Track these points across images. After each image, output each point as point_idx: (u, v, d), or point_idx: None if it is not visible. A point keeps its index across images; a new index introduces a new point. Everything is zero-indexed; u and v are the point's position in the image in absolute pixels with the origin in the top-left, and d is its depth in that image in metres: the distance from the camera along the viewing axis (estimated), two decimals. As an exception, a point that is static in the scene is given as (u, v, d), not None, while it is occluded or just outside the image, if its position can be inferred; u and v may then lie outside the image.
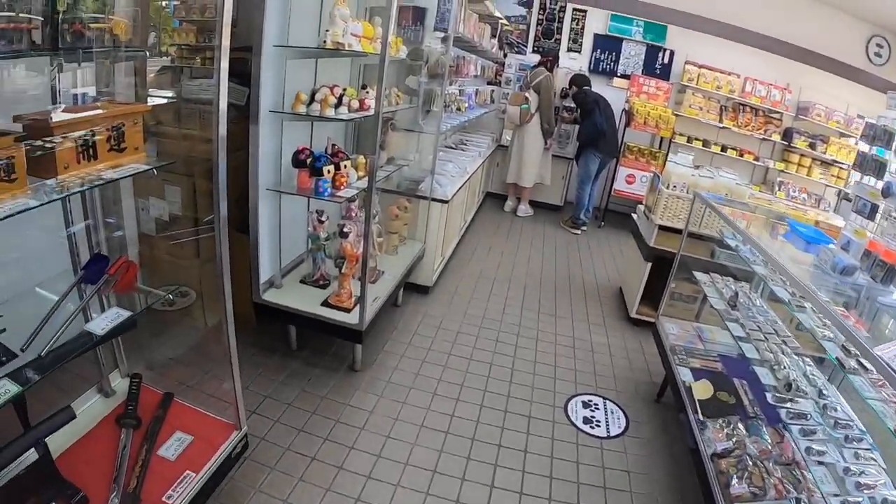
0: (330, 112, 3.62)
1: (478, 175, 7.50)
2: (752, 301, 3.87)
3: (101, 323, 2.34)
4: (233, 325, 2.78)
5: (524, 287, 6.22)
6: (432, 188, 5.48)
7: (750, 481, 2.77)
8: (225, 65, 2.13)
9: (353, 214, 4.00)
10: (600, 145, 8.19)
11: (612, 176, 8.96)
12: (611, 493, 3.38)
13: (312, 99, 3.66)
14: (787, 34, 8.76)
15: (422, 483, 3.24)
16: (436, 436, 3.63)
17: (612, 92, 9.08)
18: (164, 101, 4.55)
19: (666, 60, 9.45)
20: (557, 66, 8.65)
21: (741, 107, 8.96)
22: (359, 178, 3.88)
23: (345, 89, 3.75)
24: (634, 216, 6.04)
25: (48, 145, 1.98)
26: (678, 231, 4.84)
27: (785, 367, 3.00)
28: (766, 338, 3.38)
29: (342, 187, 3.68)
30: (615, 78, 9.66)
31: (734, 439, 3.09)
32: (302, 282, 4.33)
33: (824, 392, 2.83)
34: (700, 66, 8.98)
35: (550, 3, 9.66)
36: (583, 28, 9.67)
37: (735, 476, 2.81)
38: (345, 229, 3.86)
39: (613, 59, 9.63)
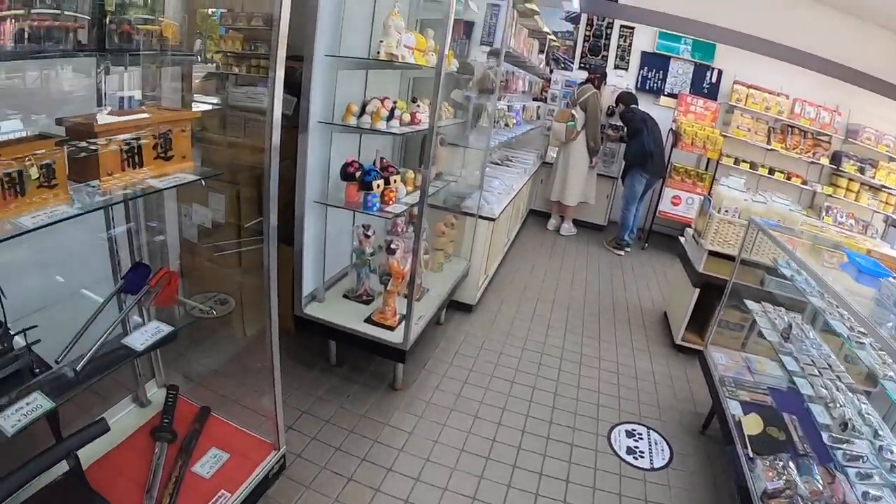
0: (381, 125, 3.48)
1: (523, 192, 7.34)
2: (804, 333, 3.68)
3: (141, 338, 2.24)
4: (277, 345, 2.66)
5: (568, 308, 6.04)
6: (480, 205, 5.33)
7: (801, 524, 2.60)
8: (280, 74, 2.03)
9: (400, 230, 3.87)
10: (647, 165, 7.97)
11: (657, 197, 8.73)
12: (655, 529, 3.21)
13: (363, 111, 3.54)
14: (838, 55, 8.44)
15: (461, 510, 3.10)
16: (476, 461, 3.49)
17: (658, 111, 8.87)
18: (210, 107, 4.49)
19: (714, 80, 9.20)
20: (605, 83, 8.48)
21: (790, 129, 8.68)
22: (407, 194, 3.76)
23: (395, 102, 3.62)
24: (682, 239, 5.83)
25: (91, 149, 1.87)
26: (728, 257, 4.74)
27: (840, 405, 2.85)
28: (820, 373, 3.21)
29: (391, 203, 3.55)
30: (662, 96, 9.44)
31: (784, 478, 2.92)
32: (345, 296, 4.22)
33: (880, 432, 2.68)
34: (749, 86, 8.72)
35: (598, 20, 9.48)
36: (630, 45, 9.47)
37: (786, 518, 2.64)
38: (392, 245, 3.74)
39: (661, 77, 9.41)
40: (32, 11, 1.86)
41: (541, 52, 7.88)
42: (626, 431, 4.02)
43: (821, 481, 2.84)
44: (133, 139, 1.98)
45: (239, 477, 2.65)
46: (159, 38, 2.33)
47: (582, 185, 8.52)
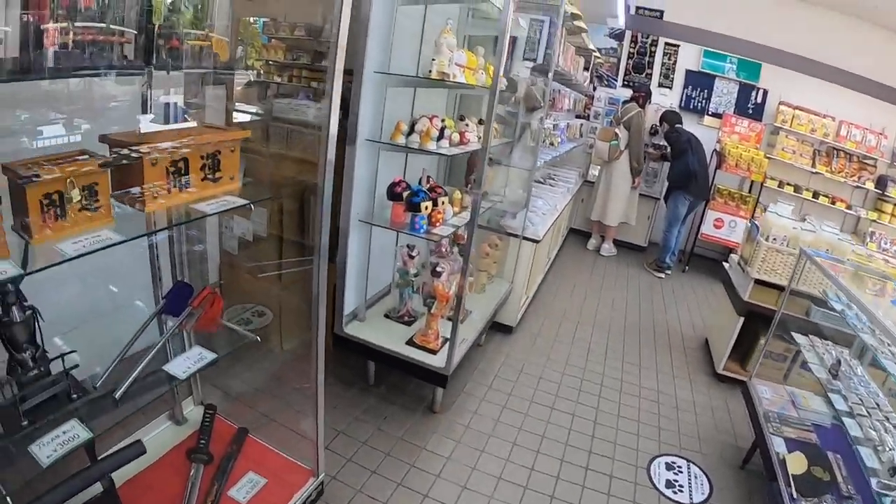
0: (431, 146, 3.35)
1: (564, 211, 7.17)
2: (852, 370, 3.54)
3: (183, 364, 2.14)
4: (323, 371, 2.55)
5: (608, 332, 5.87)
6: (525, 226, 5.20)
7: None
8: (338, 89, 1.92)
9: (445, 251, 3.75)
10: (691, 187, 7.76)
11: (699, 219, 8.50)
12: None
13: (412, 130, 3.42)
14: (886, 77, 8.18)
15: (498, 541, 2.98)
16: (514, 490, 3.36)
17: (702, 131, 8.61)
18: (250, 117, 4.44)
19: (759, 100, 8.92)
20: (650, 102, 8.30)
21: (835, 151, 8.39)
22: (454, 215, 3.64)
23: (443, 120, 3.51)
24: (726, 265, 5.63)
25: (136, 170, 1.78)
26: (775, 286, 4.61)
27: (889, 449, 2.75)
28: (868, 413, 3.09)
29: (438, 224, 3.42)
30: (706, 116, 9.18)
31: (828, 521, 2.78)
32: (386, 316, 4.14)
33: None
34: (794, 107, 8.44)
35: (642, 37, 9.27)
36: (675, 63, 9.24)
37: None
38: (438, 268, 3.62)
39: (705, 96, 9.15)
40: (76, 25, 1.78)
41: (585, 69, 7.73)
42: (666, 464, 3.88)
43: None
44: (180, 160, 1.87)
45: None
46: (209, 53, 2.24)
47: (624, 205, 8.34)
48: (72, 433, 1.79)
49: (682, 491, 3.63)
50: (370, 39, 3.17)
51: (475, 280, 4.64)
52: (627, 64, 9.44)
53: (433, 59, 3.21)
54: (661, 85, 9.32)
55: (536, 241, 5.20)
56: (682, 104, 9.19)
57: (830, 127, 8.34)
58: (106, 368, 2.06)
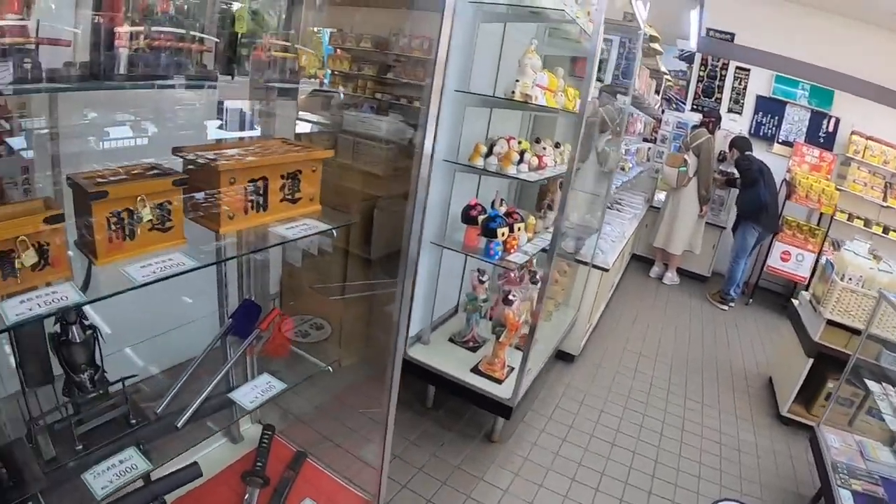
0: (511, 170, 3.15)
1: (630, 237, 6.92)
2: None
3: (250, 394, 2.00)
4: (395, 404, 2.39)
5: (670, 366, 5.61)
6: (595, 254, 4.99)
7: None
8: (435, 110, 1.76)
9: (515, 278, 3.56)
10: (761, 218, 7.40)
11: (766, 251, 8.10)
12: None
13: (490, 151, 3.24)
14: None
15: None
16: (573, 529, 3.19)
17: (771, 158, 8.22)
18: (314, 127, 4.37)
19: (830, 129, 8.51)
20: (719, 127, 7.98)
21: (908, 185, 7.98)
22: (528, 241, 3.44)
23: (520, 142, 3.32)
24: (795, 303, 5.31)
25: (213, 190, 1.63)
26: (848, 328, 4.37)
27: None
28: None
29: (512, 251, 3.22)
30: (776, 144, 8.81)
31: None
32: (451, 340, 4.00)
33: None
34: (867, 138, 8.04)
35: (712, 60, 8.95)
36: (745, 88, 8.88)
37: None
38: (510, 296, 3.44)
39: (775, 123, 8.78)
40: (153, 29, 1.65)
41: (656, 91, 7.47)
42: (727, 509, 3.69)
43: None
44: (259, 179, 1.72)
45: (332, 534, 2.43)
46: (291, 64, 2.11)
47: (689, 233, 8.00)
48: (129, 463, 1.67)
49: (742, 538, 3.43)
50: (451, 56, 3.02)
51: (542, 307, 4.46)
52: (697, 87, 9.15)
53: (517, 80, 3.04)
54: (730, 110, 8.98)
55: (606, 270, 5.01)
56: (752, 131, 8.82)
57: (903, 158, 7.93)
58: (167, 393, 1.92)
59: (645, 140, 8.76)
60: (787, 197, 7.92)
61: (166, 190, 1.51)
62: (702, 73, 9.06)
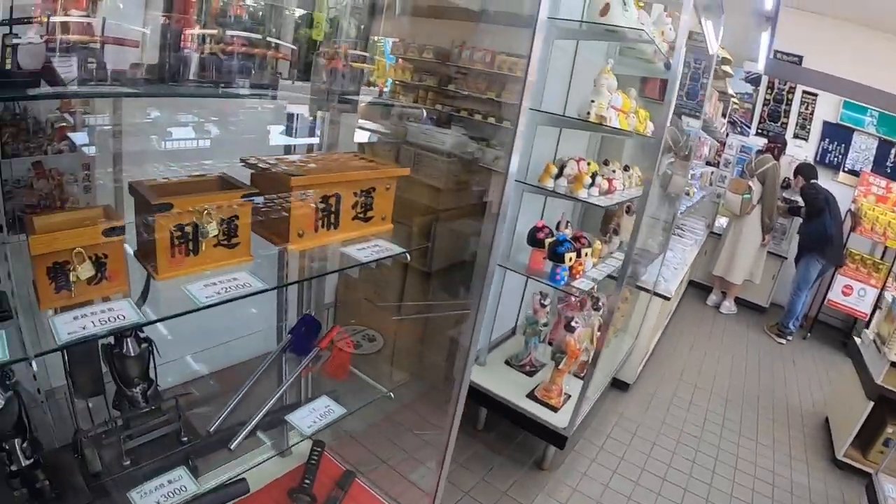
0: (582, 193, 2.98)
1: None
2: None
3: (309, 419, 1.89)
4: (456, 430, 2.27)
5: (725, 399, 5.38)
6: (657, 280, 4.81)
7: None
8: (522, 129, 1.62)
9: (576, 303, 3.41)
10: (826, 251, 7.08)
11: (827, 284, 7.75)
12: None
13: (560, 172, 3.09)
14: None
15: None
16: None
17: (836, 187, 7.89)
18: (374, 137, 4.31)
19: (898, 159, 8.18)
20: (784, 153, 7.68)
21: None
22: (593, 266, 3.27)
23: (589, 164, 3.16)
24: (857, 341, 5.01)
25: (283, 206, 1.53)
26: None
27: None
28: None
29: (578, 276, 3.05)
30: (841, 172, 8.46)
31: None
32: (507, 363, 3.88)
33: None
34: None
35: (779, 83, 8.65)
36: (812, 113, 8.56)
37: None
38: (573, 323, 3.28)
39: (842, 151, 8.42)
40: (228, 33, 1.56)
41: (723, 115, 7.22)
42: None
43: None
44: (332, 196, 1.60)
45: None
46: (366, 76, 2.00)
47: (751, 262, 7.71)
48: (178, 484, 1.58)
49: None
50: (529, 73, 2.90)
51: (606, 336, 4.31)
52: (762, 111, 8.84)
53: (592, 101, 2.88)
54: (796, 136, 8.65)
55: (668, 299, 4.82)
56: (818, 158, 8.47)
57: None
58: (221, 411, 1.83)
59: (708, 164, 8.49)
60: (852, 229, 7.55)
61: (235, 204, 1.40)
62: (768, 97, 8.77)
